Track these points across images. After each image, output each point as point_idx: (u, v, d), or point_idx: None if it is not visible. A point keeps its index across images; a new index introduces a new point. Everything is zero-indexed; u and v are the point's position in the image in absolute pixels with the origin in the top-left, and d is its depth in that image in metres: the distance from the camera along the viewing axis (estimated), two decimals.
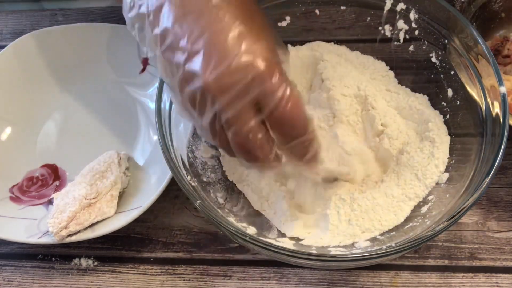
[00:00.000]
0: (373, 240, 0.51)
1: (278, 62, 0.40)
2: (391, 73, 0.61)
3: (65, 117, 0.68)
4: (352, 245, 0.50)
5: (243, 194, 0.56)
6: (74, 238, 0.55)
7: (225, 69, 0.38)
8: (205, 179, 0.54)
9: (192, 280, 0.56)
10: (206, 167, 0.56)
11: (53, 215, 0.56)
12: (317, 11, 0.60)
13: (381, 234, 0.51)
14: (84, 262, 0.58)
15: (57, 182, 0.63)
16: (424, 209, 0.52)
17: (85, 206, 0.56)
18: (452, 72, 0.55)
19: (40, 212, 0.60)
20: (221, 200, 0.54)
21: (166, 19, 0.40)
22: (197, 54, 0.39)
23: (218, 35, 0.39)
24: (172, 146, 0.51)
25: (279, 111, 0.39)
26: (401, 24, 0.58)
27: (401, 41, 0.59)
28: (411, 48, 0.59)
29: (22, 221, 0.58)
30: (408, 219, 0.52)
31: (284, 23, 0.60)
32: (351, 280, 0.54)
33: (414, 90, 0.59)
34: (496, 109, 0.48)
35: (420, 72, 0.59)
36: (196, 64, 0.39)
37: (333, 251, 0.50)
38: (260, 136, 0.40)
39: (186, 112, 0.43)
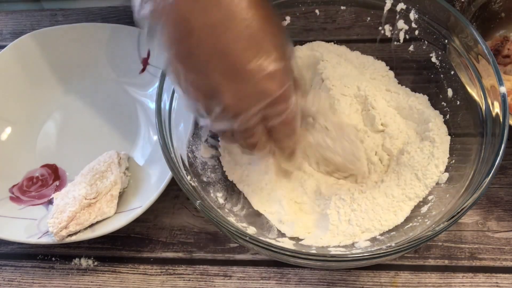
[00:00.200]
0: (373, 240, 0.51)
1: (290, 82, 0.44)
2: (391, 73, 0.61)
3: (65, 117, 0.68)
4: (352, 245, 0.50)
5: (243, 194, 0.56)
6: (74, 238, 0.55)
7: (245, 94, 0.42)
8: (205, 179, 0.54)
9: (192, 280, 0.56)
10: (206, 167, 0.56)
11: (53, 215, 0.56)
12: (317, 11, 0.60)
13: (381, 234, 0.51)
14: (84, 262, 0.58)
15: (57, 182, 0.63)
16: (424, 209, 0.52)
17: (85, 206, 0.56)
18: (452, 72, 0.55)
19: (40, 212, 0.60)
20: (221, 200, 0.54)
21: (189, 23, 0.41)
22: (217, 72, 0.41)
23: (239, 54, 0.41)
24: (172, 146, 0.51)
25: (281, 125, 0.46)
26: (401, 24, 0.58)
27: (401, 41, 0.59)
28: (411, 48, 0.59)
29: (22, 221, 0.58)
30: (408, 219, 0.52)
31: (284, 23, 0.60)
32: (351, 280, 0.54)
33: (414, 90, 0.59)
34: (496, 109, 0.48)
35: (420, 72, 0.59)
36: (217, 81, 0.41)
37: (333, 251, 0.50)
38: (263, 140, 0.47)
39: (196, 112, 0.46)
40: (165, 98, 0.52)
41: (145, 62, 0.68)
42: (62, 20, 0.77)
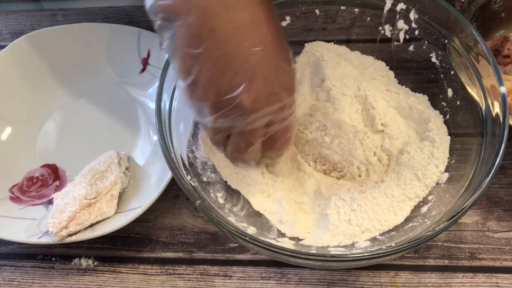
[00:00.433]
0: (373, 240, 0.51)
1: (296, 88, 0.46)
2: (391, 73, 0.61)
3: (65, 117, 0.68)
4: (352, 245, 0.50)
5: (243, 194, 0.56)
6: (74, 238, 0.55)
7: (262, 94, 0.43)
8: (205, 179, 0.54)
9: (192, 280, 0.56)
10: (206, 167, 0.56)
11: (53, 215, 0.56)
12: (317, 11, 0.60)
13: (381, 234, 0.51)
14: (84, 262, 0.58)
15: (57, 182, 0.63)
16: (424, 209, 0.52)
17: (85, 206, 0.56)
18: (452, 72, 0.55)
19: (40, 212, 0.60)
20: (221, 200, 0.54)
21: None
22: (240, 71, 0.42)
23: (263, 55, 0.43)
24: (172, 146, 0.51)
25: (279, 135, 0.48)
26: (401, 24, 0.58)
27: (401, 41, 0.59)
28: (411, 48, 0.59)
29: (22, 221, 0.58)
30: (408, 219, 0.52)
31: (284, 23, 0.60)
32: (351, 280, 0.54)
33: (414, 90, 0.59)
34: (496, 109, 0.48)
35: (420, 72, 0.59)
36: (239, 80, 0.43)
37: (333, 251, 0.50)
38: (258, 147, 0.49)
39: (198, 107, 0.46)
40: (165, 98, 0.52)
41: (145, 62, 0.67)
42: (62, 20, 0.77)
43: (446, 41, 0.55)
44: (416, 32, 0.58)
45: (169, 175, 0.55)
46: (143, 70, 0.68)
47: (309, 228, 0.53)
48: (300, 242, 0.51)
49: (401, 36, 0.59)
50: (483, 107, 0.50)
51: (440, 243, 0.56)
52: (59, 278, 0.57)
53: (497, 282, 0.53)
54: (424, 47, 0.58)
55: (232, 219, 0.51)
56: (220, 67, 0.42)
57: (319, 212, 0.54)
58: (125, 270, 0.57)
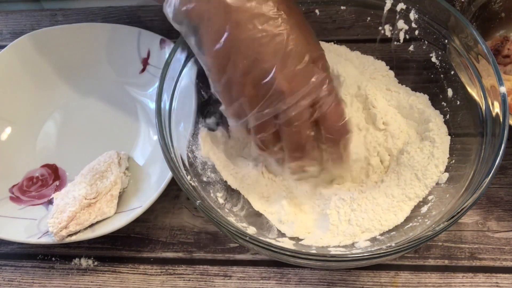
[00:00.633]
0: (373, 240, 0.51)
1: (328, 69, 0.47)
2: (391, 73, 0.61)
3: (65, 117, 0.68)
4: (352, 245, 0.50)
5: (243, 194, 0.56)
6: (74, 238, 0.55)
7: (297, 74, 0.44)
8: (205, 179, 0.54)
9: (192, 280, 0.56)
10: (206, 167, 0.56)
11: (53, 215, 0.56)
12: (317, 11, 0.60)
13: (381, 234, 0.51)
14: (84, 262, 0.58)
15: (57, 182, 0.63)
16: (424, 209, 0.52)
17: (85, 206, 0.56)
18: (452, 72, 0.55)
19: (40, 212, 0.60)
20: (221, 200, 0.54)
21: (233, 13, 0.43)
22: (271, 63, 0.43)
23: (296, 40, 0.44)
24: (172, 146, 0.51)
25: (330, 111, 0.46)
26: (401, 24, 0.58)
27: (401, 41, 0.59)
28: (411, 48, 0.59)
29: (22, 221, 0.58)
30: (408, 219, 0.52)
31: None
32: (351, 280, 0.54)
33: (414, 90, 0.59)
34: (496, 109, 0.48)
35: (420, 72, 0.59)
36: (272, 63, 0.43)
37: (333, 251, 0.50)
38: (312, 133, 0.47)
39: (237, 109, 0.46)
40: (165, 98, 0.52)
41: (145, 62, 0.67)
42: (62, 20, 0.77)
43: (446, 41, 0.55)
44: (416, 32, 0.58)
45: (169, 175, 0.55)
46: (143, 70, 0.68)
47: (309, 228, 0.53)
48: (300, 242, 0.51)
49: (401, 36, 0.59)
50: (483, 107, 0.50)
51: (440, 243, 0.56)
52: (59, 278, 0.57)
53: (497, 282, 0.53)
54: (424, 47, 0.58)
55: (232, 219, 0.51)
56: (250, 56, 0.43)
57: (319, 212, 0.54)
58: (125, 270, 0.57)
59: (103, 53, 0.69)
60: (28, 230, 0.57)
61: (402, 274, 0.54)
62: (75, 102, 0.69)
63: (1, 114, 0.66)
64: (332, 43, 0.62)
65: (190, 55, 0.53)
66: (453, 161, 0.53)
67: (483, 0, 0.61)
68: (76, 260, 0.58)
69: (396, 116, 0.57)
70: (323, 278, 0.54)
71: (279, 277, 0.55)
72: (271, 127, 0.47)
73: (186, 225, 0.59)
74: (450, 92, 0.56)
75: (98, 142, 0.65)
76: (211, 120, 0.58)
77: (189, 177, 0.50)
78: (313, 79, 0.44)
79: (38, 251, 0.59)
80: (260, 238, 0.47)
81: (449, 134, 0.55)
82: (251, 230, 0.51)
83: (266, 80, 0.43)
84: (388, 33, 0.60)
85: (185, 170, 0.51)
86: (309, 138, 0.47)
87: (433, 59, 0.57)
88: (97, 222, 0.56)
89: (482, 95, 0.50)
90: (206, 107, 0.58)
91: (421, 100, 0.58)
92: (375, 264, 0.54)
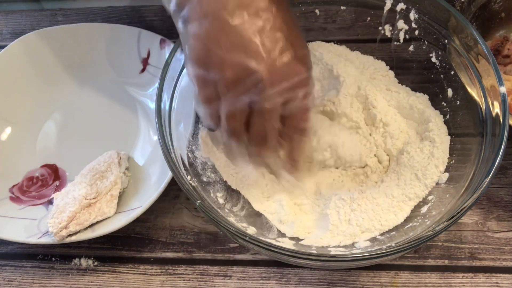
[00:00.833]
0: (373, 240, 0.51)
1: (312, 70, 0.47)
2: (391, 73, 0.61)
3: (65, 117, 0.68)
4: (352, 245, 0.50)
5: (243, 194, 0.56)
6: (74, 238, 0.55)
7: (279, 68, 0.43)
8: (205, 179, 0.54)
9: (192, 280, 0.56)
10: (206, 167, 0.56)
11: (53, 215, 0.56)
12: (317, 11, 0.60)
13: (381, 234, 0.51)
14: (84, 262, 0.58)
15: (57, 182, 0.63)
16: (424, 209, 0.52)
17: (85, 206, 0.56)
18: (452, 72, 0.55)
19: (40, 212, 0.60)
20: (221, 200, 0.54)
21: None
22: (253, 45, 0.43)
23: (280, 30, 0.44)
24: (172, 146, 0.51)
25: (298, 113, 0.47)
26: (401, 24, 0.58)
27: (401, 41, 0.59)
28: (411, 48, 0.59)
29: (22, 221, 0.58)
30: (408, 219, 0.52)
31: None
32: (351, 280, 0.54)
33: (414, 90, 0.59)
34: (496, 109, 0.48)
35: (420, 72, 0.59)
36: (256, 52, 0.43)
37: (333, 251, 0.50)
38: (278, 127, 0.47)
39: (211, 91, 0.46)
40: (165, 98, 0.52)
41: (145, 62, 0.67)
42: (62, 20, 0.77)
43: (446, 41, 0.55)
44: (416, 32, 0.58)
45: (169, 175, 0.55)
46: (143, 70, 0.68)
47: (309, 228, 0.53)
48: (300, 242, 0.51)
49: (401, 36, 0.59)
50: (483, 107, 0.50)
51: (440, 243, 0.56)
52: (59, 278, 0.57)
53: (497, 282, 0.53)
54: (424, 47, 0.58)
55: (232, 219, 0.51)
56: (235, 41, 0.43)
57: (319, 212, 0.54)
58: (125, 270, 0.57)
59: (103, 53, 0.69)
60: (28, 230, 0.57)
61: (402, 274, 0.54)
62: (75, 102, 0.69)
63: (1, 114, 0.66)
64: (332, 43, 0.62)
65: None
66: (453, 161, 0.53)
67: (483, 0, 0.61)
68: (76, 260, 0.58)
69: (396, 116, 0.57)
70: (323, 278, 0.54)
71: (279, 277, 0.55)
72: (243, 115, 0.46)
73: (186, 225, 0.59)
74: (450, 92, 0.56)
75: (98, 142, 0.65)
76: None
77: (189, 177, 0.50)
78: (295, 78, 0.44)
79: (38, 251, 0.59)
80: (260, 238, 0.47)
81: (449, 134, 0.55)
82: (251, 230, 0.51)
83: (249, 65, 0.43)
84: (388, 33, 0.60)
85: (185, 170, 0.51)
86: (275, 130, 0.48)
87: (433, 59, 0.57)
88: (97, 222, 0.56)
89: (482, 95, 0.50)
90: None
91: (421, 100, 0.58)
92: (375, 264, 0.54)
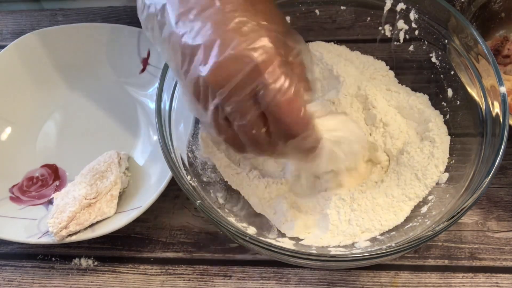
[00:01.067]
0: (373, 240, 0.51)
1: (279, 54, 0.39)
2: (391, 73, 0.61)
3: (65, 117, 0.68)
4: (352, 245, 0.50)
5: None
6: (74, 238, 0.55)
7: (222, 62, 0.38)
8: (205, 179, 0.54)
9: (192, 280, 0.56)
10: (206, 167, 0.56)
11: (53, 215, 0.56)
12: (317, 11, 0.60)
13: (381, 234, 0.51)
14: (84, 262, 0.58)
15: (57, 182, 0.63)
16: (424, 209, 0.52)
17: (85, 206, 0.56)
18: (452, 72, 0.55)
19: (40, 212, 0.60)
20: (221, 200, 0.54)
21: (170, 17, 0.41)
22: (198, 49, 0.39)
23: (216, 28, 0.39)
24: (172, 146, 0.51)
25: (274, 105, 0.39)
26: (401, 24, 0.58)
27: (401, 41, 0.59)
28: (411, 48, 0.59)
29: (22, 221, 0.58)
30: (408, 219, 0.52)
31: None
32: (351, 280, 0.54)
33: (414, 90, 0.59)
34: (496, 109, 0.48)
35: (420, 72, 0.59)
36: (198, 59, 0.39)
37: (333, 251, 0.50)
38: (263, 130, 0.40)
39: (194, 108, 0.42)
40: (165, 98, 0.52)
41: (145, 62, 0.68)
42: (62, 20, 0.77)
43: (446, 41, 0.55)
44: (416, 32, 0.58)
45: (169, 175, 0.55)
46: (143, 70, 0.68)
47: (309, 228, 0.53)
48: (300, 242, 0.51)
49: (401, 36, 0.59)
50: (483, 107, 0.50)
51: (440, 243, 0.56)
52: (59, 278, 0.57)
53: (497, 282, 0.53)
54: (424, 47, 0.58)
55: (232, 219, 0.51)
56: (184, 54, 0.40)
57: (319, 212, 0.54)
58: (125, 270, 0.57)
59: (103, 53, 0.69)
60: (28, 230, 0.57)
61: (402, 274, 0.54)
62: (75, 102, 0.69)
63: (1, 114, 0.66)
64: (332, 43, 0.62)
65: None
66: (453, 161, 0.54)
67: (483, 0, 0.61)
68: (76, 260, 0.58)
69: (396, 116, 0.57)
70: (323, 278, 0.54)
71: (279, 277, 0.55)
72: (225, 124, 0.41)
73: (186, 225, 0.59)
74: (450, 92, 0.56)
75: (98, 142, 0.65)
76: None
77: (189, 177, 0.50)
78: (246, 68, 0.37)
79: (38, 251, 0.59)
80: (260, 238, 0.47)
81: (449, 134, 0.55)
82: (251, 230, 0.51)
83: (196, 78, 0.39)
84: (388, 33, 0.60)
85: (185, 170, 0.51)
86: (258, 136, 0.41)
87: (433, 59, 0.57)
88: (97, 222, 0.56)
89: (482, 95, 0.50)
90: None
91: (421, 100, 0.58)
92: (375, 264, 0.54)
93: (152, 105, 0.66)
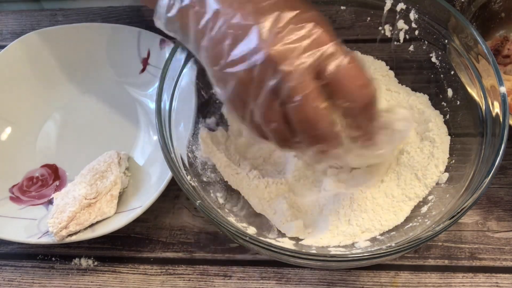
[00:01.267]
0: (373, 240, 0.51)
1: (332, 30, 0.39)
2: (391, 73, 0.61)
3: (65, 117, 0.68)
4: (352, 245, 0.50)
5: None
6: (74, 238, 0.55)
7: (284, 35, 0.37)
8: (205, 179, 0.54)
9: (192, 280, 0.56)
10: (206, 167, 0.56)
11: (53, 215, 0.56)
12: None
13: (381, 234, 0.51)
14: (84, 262, 0.58)
15: (57, 182, 0.63)
16: (424, 209, 0.52)
17: (85, 206, 0.56)
18: (452, 72, 0.55)
19: (40, 212, 0.60)
20: (221, 200, 0.54)
21: (214, 3, 0.40)
22: (251, 28, 0.38)
23: (267, 8, 0.38)
24: (172, 146, 0.51)
25: (341, 73, 0.38)
26: (401, 24, 0.58)
27: (401, 41, 0.59)
28: (411, 48, 0.59)
29: (22, 221, 0.58)
30: (408, 219, 0.52)
31: None
32: (351, 280, 0.54)
33: (414, 90, 0.59)
34: (496, 109, 0.48)
35: (420, 72, 0.59)
36: (253, 38, 0.37)
37: (333, 251, 0.50)
38: (324, 106, 0.38)
39: (238, 100, 0.40)
40: (165, 98, 0.52)
41: (145, 62, 0.67)
42: (62, 20, 0.77)
43: (446, 41, 0.55)
44: (416, 32, 0.58)
45: (169, 175, 0.55)
46: (143, 70, 0.68)
47: (309, 228, 0.53)
48: (300, 242, 0.51)
49: (401, 36, 0.59)
50: (483, 107, 0.50)
51: (440, 243, 0.56)
52: (59, 278, 0.57)
53: (497, 282, 0.53)
54: (424, 47, 0.58)
55: (232, 219, 0.51)
56: (234, 33, 0.38)
57: (319, 212, 0.54)
58: (125, 270, 0.57)
59: (103, 53, 0.69)
60: (28, 230, 0.57)
61: (402, 274, 0.54)
62: (75, 102, 0.69)
63: (1, 114, 0.66)
64: None
65: (190, 55, 0.53)
66: (453, 161, 0.54)
67: (483, 0, 0.61)
68: (76, 260, 0.58)
69: None
70: (323, 278, 0.54)
71: (279, 277, 0.55)
72: (278, 113, 0.38)
73: (186, 225, 0.59)
74: (450, 92, 0.56)
75: (98, 142, 0.65)
76: (211, 120, 0.58)
77: (189, 177, 0.50)
78: (309, 39, 0.37)
79: (38, 251, 0.59)
80: (260, 238, 0.47)
81: (449, 134, 0.55)
82: (251, 230, 0.51)
83: (252, 57, 0.37)
84: (388, 33, 0.60)
85: (185, 170, 0.51)
86: (319, 111, 0.38)
87: (433, 59, 0.57)
88: (97, 222, 0.56)
89: (482, 95, 0.50)
90: (206, 107, 0.58)
91: (421, 100, 0.58)
92: (375, 264, 0.54)
93: (152, 105, 0.66)
